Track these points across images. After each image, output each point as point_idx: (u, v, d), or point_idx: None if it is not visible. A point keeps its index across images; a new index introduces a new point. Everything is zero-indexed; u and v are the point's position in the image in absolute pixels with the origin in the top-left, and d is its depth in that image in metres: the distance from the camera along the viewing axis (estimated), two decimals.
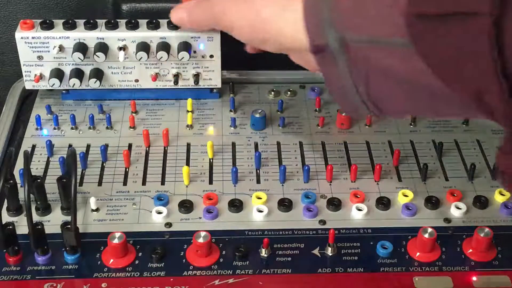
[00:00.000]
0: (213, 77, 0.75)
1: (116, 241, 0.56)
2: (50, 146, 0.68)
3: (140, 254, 0.58)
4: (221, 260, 0.58)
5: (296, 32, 0.52)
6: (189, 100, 0.75)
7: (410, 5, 0.42)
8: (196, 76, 0.74)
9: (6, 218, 0.60)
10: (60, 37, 0.71)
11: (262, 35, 0.56)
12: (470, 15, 0.39)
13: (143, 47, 0.71)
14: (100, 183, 0.66)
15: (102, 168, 0.67)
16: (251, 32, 0.58)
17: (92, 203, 0.62)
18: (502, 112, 0.40)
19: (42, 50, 0.71)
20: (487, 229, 0.58)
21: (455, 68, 0.41)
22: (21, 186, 0.62)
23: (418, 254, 0.58)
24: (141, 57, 0.71)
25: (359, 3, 0.46)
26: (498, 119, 0.41)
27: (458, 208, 0.63)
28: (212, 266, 0.57)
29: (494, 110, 0.41)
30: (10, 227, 0.55)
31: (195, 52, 0.72)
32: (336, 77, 0.49)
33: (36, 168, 0.67)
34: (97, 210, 0.62)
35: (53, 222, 0.61)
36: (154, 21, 0.72)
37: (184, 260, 0.57)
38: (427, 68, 0.43)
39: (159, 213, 0.61)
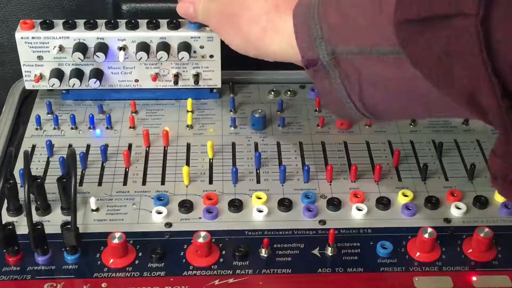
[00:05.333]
0: (213, 77, 0.75)
1: (116, 241, 0.56)
2: (50, 146, 0.68)
3: (140, 254, 0.58)
4: (221, 260, 0.58)
5: (284, 50, 0.55)
6: (189, 100, 0.75)
7: (396, 12, 0.42)
8: (196, 76, 0.74)
9: (6, 218, 0.60)
10: (60, 37, 0.71)
11: (254, 52, 0.60)
12: (456, 17, 0.39)
13: (143, 47, 0.71)
14: (100, 183, 0.66)
15: (102, 168, 0.67)
16: (244, 48, 0.61)
17: (92, 203, 0.62)
18: (495, 113, 0.40)
19: (42, 50, 0.71)
20: (487, 229, 0.58)
21: (446, 71, 0.41)
22: (21, 186, 0.62)
23: (418, 254, 0.58)
24: (141, 57, 0.71)
25: (346, 16, 0.48)
26: (492, 120, 0.41)
27: (458, 208, 0.62)
28: (212, 266, 0.57)
29: (488, 111, 0.40)
30: (10, 227, 0.55)
31: (195, 52, 0.72)
32: (329, 89, 0.51)
33: (36, 168, 0.67)
34: (97, 210, 0.62)
35: (53, 222, 0.61)
36: (154, 21, 0.72)
37: (184, 260, 0.57)
38: (418, 74, 0.43)
39: (159, 213, 0.61)
